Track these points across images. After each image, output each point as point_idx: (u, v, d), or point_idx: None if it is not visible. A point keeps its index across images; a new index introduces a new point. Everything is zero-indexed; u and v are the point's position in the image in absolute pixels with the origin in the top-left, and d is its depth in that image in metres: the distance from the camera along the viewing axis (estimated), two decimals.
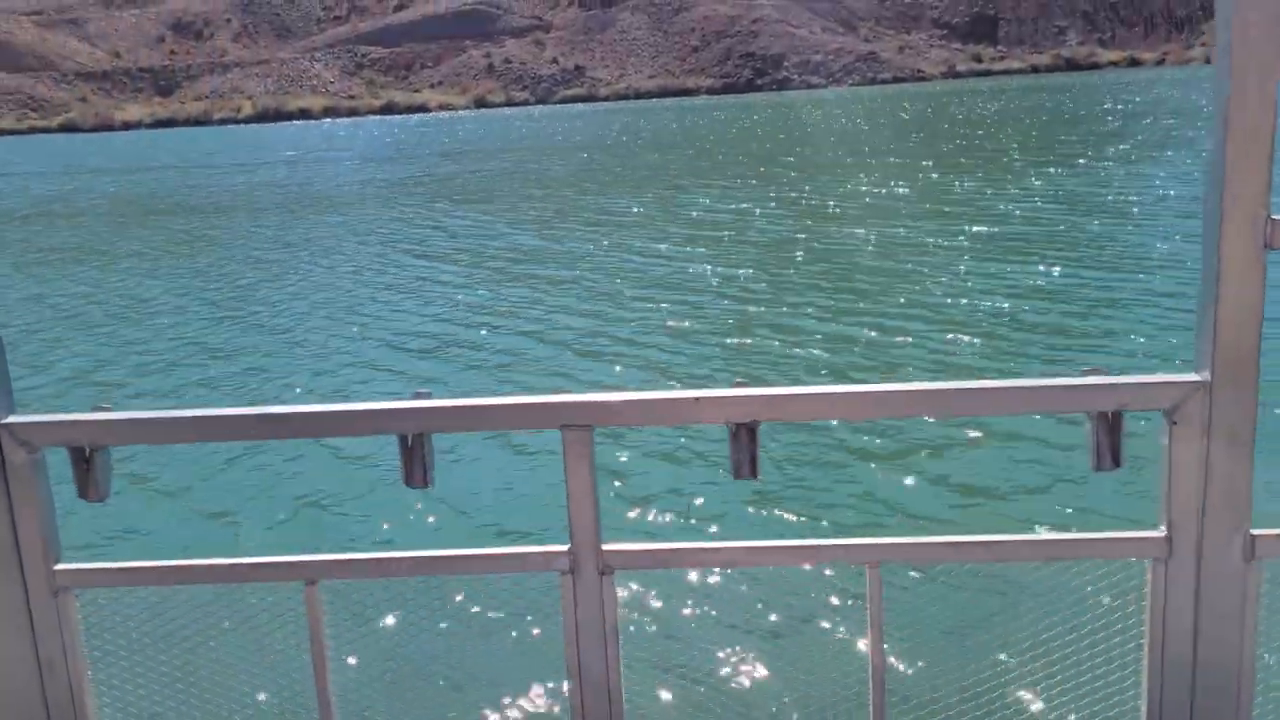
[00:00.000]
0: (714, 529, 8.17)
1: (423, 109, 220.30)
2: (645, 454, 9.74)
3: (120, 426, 2.42)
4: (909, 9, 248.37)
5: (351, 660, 5.98)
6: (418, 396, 2.38)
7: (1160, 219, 22.42)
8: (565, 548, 2.41)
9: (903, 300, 15.94)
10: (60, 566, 2.47)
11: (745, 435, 2.31)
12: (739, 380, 2.36)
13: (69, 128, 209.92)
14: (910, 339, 13.61)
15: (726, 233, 24.96)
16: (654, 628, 6.43)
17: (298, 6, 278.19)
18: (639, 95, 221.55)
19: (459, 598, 6.87)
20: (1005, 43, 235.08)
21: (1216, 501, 2.23)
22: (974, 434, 9.65)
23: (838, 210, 27.97)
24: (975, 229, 22.77)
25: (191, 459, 10.21)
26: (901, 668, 5.58)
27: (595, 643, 2.44)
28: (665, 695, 5.90)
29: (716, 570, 6.77)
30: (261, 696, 4.64)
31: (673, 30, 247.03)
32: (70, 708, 2.51)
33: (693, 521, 8.37)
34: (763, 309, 16.25)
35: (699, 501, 8.68)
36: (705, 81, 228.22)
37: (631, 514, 8.54)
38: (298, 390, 13.21)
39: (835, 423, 9.66)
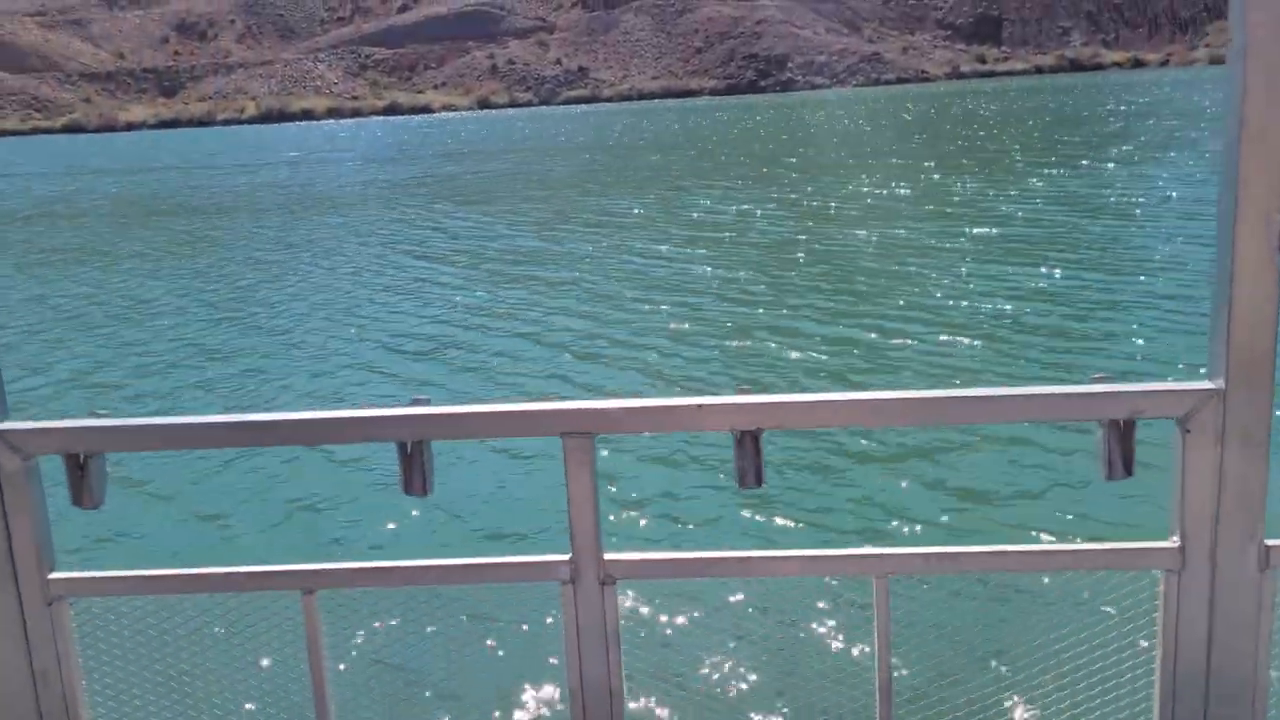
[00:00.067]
0: (717, 538, 8.05)
1: (426, 110, 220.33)
2: (647, 460, 9.64)
3: (115, 433, 2.40)
4: (913, 10, 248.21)
5: (350, 670, 5.92)
6: (416, 403, 2.35)
7: (1166, 221, 22.32)
8: (566, 557, 2.38)
9: (907, 303, 15.86)
10: (54, 575, 2.44)
11: (750, 443, 2.28)
12: (743, 386, 2.33)
13: (73, 128, 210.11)
14: (915, 343, 13.52)
15: (728, 234, 24.91)
16: (656, 638, 6.34)
17: (301, 7, 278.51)
18: (642, 96, 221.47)
19: (458, 606, 6.80)
20: (1009, 43, 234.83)
21: (1230, 510, 2.19)
22: (982, 442, 9.51)
23: (841, 212, 27.90)
24: (979, 231, 22.69)
25: (188, 465, 10.15)
26: (909, 680, 5.48)
27: (596, 653, 2.40)
28: (668, 708, 5.81)
29: (720, 580, 6.69)
30: (259, 707, 4.58)
31: (676, 31, 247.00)
32: (64, 719, 2.48)
33: (690, 527, 8.28)
34: (766, 312, 16.19)
35: (702, 510, 8.57)
36: (709, 82, 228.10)
37: (633, 522, 8.44)
38: (296, 395, 13.14)
39: (840, 430, 9.57)
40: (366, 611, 6.49)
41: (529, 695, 6.02)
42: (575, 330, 15.68)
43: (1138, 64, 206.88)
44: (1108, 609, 3.11)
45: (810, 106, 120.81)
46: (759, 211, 28.66)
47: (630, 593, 6.43)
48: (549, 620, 6.52)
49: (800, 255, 21.50)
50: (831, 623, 6.38)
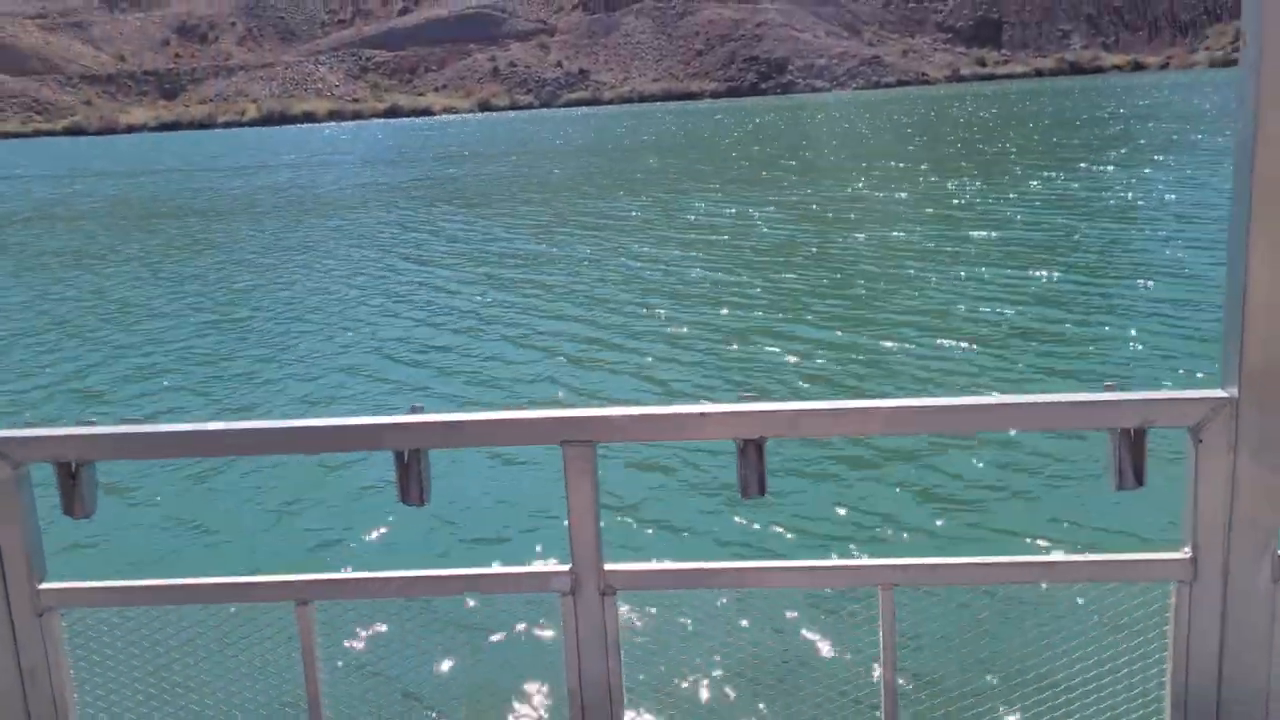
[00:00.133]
0: (719, 548, 7.93)
1: (427, 112, 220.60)
2: (648, 469, 9.54)
3: (107, 441, 2.37)
4: (913, 13, 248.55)
5: (345, 682, 5.85)
6: (414, 411, 2.33)
7: (1167, 225, 22.25)
8: (566, 567, 2.36)
9: (911, 309, 15.78)
10: (45, 586, 2.41)
11: (753, 452, 2.26)
12: (745, 394, 2.29)
13: (74, 131, 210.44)
14: (919, 349, 13.42)
15: (728, 238, 24.85)
16: (657, 649, 6.23)
17: (302, 10, 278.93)
18: (643, 99, 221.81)
19: (455, 617, 6.73)
20: (1009, 46, 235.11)
21: (1243, 521, 2.17)
22: (989, 450, 9.38)
23: (843, 215, 27.86)
24: (981, 235, 22.64)
25: (180, 474, 10.06)
26: (914, 693, 5.40)
27: (597, 665, 2.38)
28: None
29: (722, 591, 6.60)
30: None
31: (677, 34, 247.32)
32: None
33: (692, 537, 8.19)
34: (767, 316, 16.12)
35: (703, 519, 8.46)
36: (709, 85, 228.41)
37: (633, 532, 8.33)
38: (291, 402, 13.05)
39: (845, 438, 9.46)
40: (362, 622, 6.42)
41: (528, 707, 5.94)
42: (575, 336, 15.61)
43: (1138, 67, 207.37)
44: (1117, 620, 3.06)
45: (810, 109, 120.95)
46: (759, 214, 28.62)
47: (630, 602, 6.35)
48: (548, 630, 6.45)
49: (802, 259, 21.44)
50: (835, 634, 6.29)
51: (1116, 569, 2.38)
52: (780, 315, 16.15)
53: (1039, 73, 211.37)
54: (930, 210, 27.40)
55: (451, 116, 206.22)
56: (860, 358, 13.28)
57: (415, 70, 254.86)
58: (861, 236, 23.60)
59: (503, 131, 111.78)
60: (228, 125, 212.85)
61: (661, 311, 16.89)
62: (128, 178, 66.04)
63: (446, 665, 6.37)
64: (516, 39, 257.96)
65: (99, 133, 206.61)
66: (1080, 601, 4.49)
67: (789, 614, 6.54)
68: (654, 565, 2.57)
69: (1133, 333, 13.56)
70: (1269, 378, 2.11)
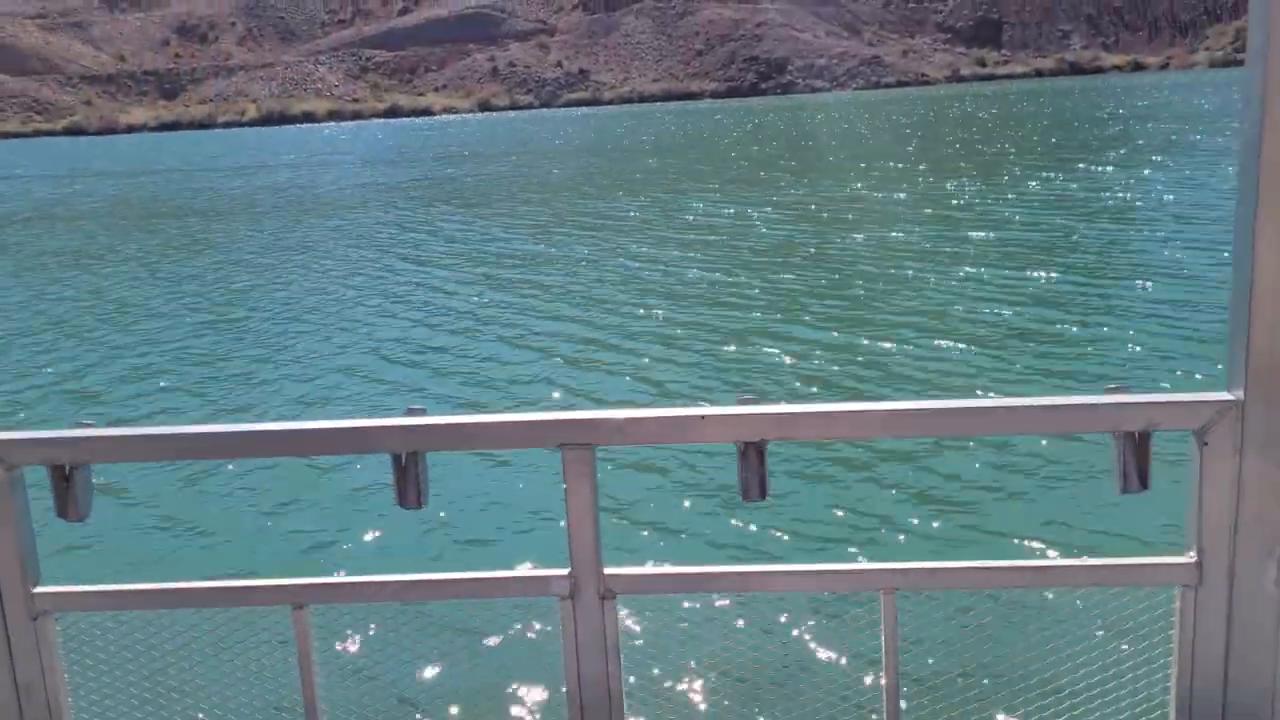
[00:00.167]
0: (720, 552, 7.88)
1: (427, 112, 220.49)
2: (647, 471, 9.49)
3: (101, 444, 2.35)
4: (913, 13, 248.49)
5: (342, 686, 5.82)
6: (411, 413, 2.30)
7: (1166, 225, 22.22)
8: (565, 571, 2.34)
9: (912, 310, 15.74)
10: (39, 590, 2.38)
11: (754, 455, 2.24)
12: (745, 396, 2.27)
13: (74, 131, 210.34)
14: (920, 351, 13.38)
15: (728, 238, 24.83)
16: (657, 654, 6.18)
17: (302, 10, 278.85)
18: (643, 99, 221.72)
19: (453, 621, 6.69)
20: (1009, 47, 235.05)
21: (1249, 525, 2.14)
22: (992, 453, 9.32)
23: (842, 216, 27.83)
24: (982, 235, 22.62)
25: (176, 476, 10.01)
26: (917, 698, 5.36)
27: (596, 670, 2.35)
28: None
29: (723, 595, 6.56)
30: None
31: (677, 34, 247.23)
32: None
33: (692, 540, 8.14)
34: (767, 317, 16.09)
35: (703, 523, 8.40)
36: (709, 85, 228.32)
37: (633, 535, 8.27)
38: (288, 403, 13.00)
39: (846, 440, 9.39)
40: (359, 626, 6.39)
41: (526, 713, 5.91)
42: (574, 337, 15.57)
43: (1138, 67, 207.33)
44: (1121, 624, 3.04)
45: (810, 109, 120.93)
46: (758, 215, 28.58)
47: (630, 606, 6.31)
48: (547, 634, 6.41)
49: (801, 259, 21.41)
50: (836, 639, 6.25)
51: (1121, 574, 2.36)
52: (779, 316, 16.11)
53: (1039, 73, 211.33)
54: (930, 211, 27.38)
55: (451, 116, 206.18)
56: (859, 359, 13.24)
57: (415, 70, 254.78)
58: (861, 237, 23.57)
59: (502, 131, 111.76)
60: (228, 125, 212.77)
61: (660, 312, 16.85)
62: (127, 178, 66.01)
63: (444, 669, 6.33)
64: (516, 39, 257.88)
65: (99, 133, 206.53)
66: (1083, 605, 4.47)
67: (790, 618, 6.50)
68: (654, 569, 2.53)
69: (1131, 333, 13.53)
70: (1275, 379, 2.08)
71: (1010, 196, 29.06)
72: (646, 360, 13.86)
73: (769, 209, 29.93)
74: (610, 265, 22.24)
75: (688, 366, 13.47)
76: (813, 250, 22.53)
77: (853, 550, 7.73)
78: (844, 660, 6.10)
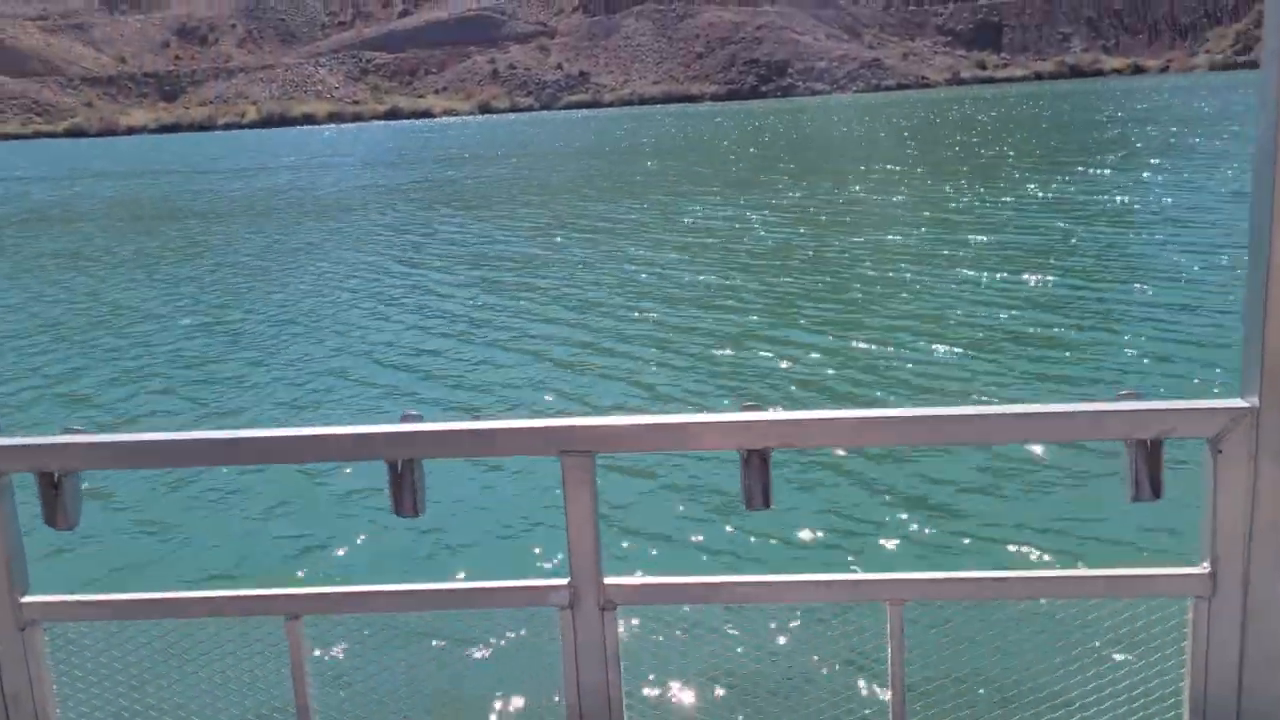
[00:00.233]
0: (722, 561, 7.77)
1: (427, 115, 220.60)
2: (648, 479, 9.37)
3: (91, 450, 2.30)
4: (913, 16, 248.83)
5: (336, 698, 5.74)
6: (407, 419, 2.26)
7: (1166, 228, 22.16)
8: (565, 581, 2.29)
9: (916, 315, 15.66)
10: (28, 599, 2.34)
11: (757, 462, 2.19)
12: (748, 403, 2.22)
13: (74, 132, 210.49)
14: (924, 357, 13.28)
15: (727, 241, 24.76)
16: (658, 664, 6.10)
17: (302, 12, 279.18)
18: (643, 101, 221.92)
19: (450, 631, 6.61)
20: (1009, 50, 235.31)
21: (1264, 533, 2.10)
22: (1001, 461, 9.20)
23: (841, 219, 27.78)
24: (985, 239, 22.56)
25: (167, 484, 9.90)
26: (924, 711, 5.26)
27: (596, 681, 2.31)
28: None
29: (726, 606, 6.46)
30: None
31: (677, 36, 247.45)
32: None
33: (694, 550, 8.03)
34: (766, 321, 16.02)
35: (706, 532, 8.30)
36: (709, 88, 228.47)
37: (634, 544, 8.16)
38: (282, 409, 12.91)
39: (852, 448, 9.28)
40: (353, 637, 6.31)
41: None
42: (573, 341, 15.49)
43: (1138, 70, 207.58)
44: (1132, 634, 3.00)
45: (810, 112, 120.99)
46: (757, 218, 28.53)
47: (631, 617, 6.22)
48: (545, 645, 6.32)
49: (801, 263, 21.35)
50: (842, 650, 6.15)
51: (1133, 584, 2.32)
52: (780, 320, 16.04)
53: (1039, 76, 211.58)
54: (930, 214, 27.32)
55: (451, 119, 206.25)
56: (859, 363, 13.16)
57: (415, 72, 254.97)
58: (861, 240, 23.51)
59: (502, 134, 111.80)
60: (228, 127, 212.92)
61: (660, 316, 16.78)
62: (127, 180, 65.99)
63: (441, 680, 6.26)
64: (516, 41, 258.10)
65: (99, 134, 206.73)
66: (1094, 616, 4.39)
67: (794, 629, 6.41)
68: (655, 579, 2.47)
69: (1130, 338, 13.46)
70: None
71: (1010, 199, 29.02)
72: (646, 364, 13.78)
73: (769, 212, 29.88)
74: (610, 268, 22.17)
75: (686, 370, 13.39)
76: (812, 253, 22.46)
77: (858, 560, 7.63)
78: (848, 673, 6.00)
